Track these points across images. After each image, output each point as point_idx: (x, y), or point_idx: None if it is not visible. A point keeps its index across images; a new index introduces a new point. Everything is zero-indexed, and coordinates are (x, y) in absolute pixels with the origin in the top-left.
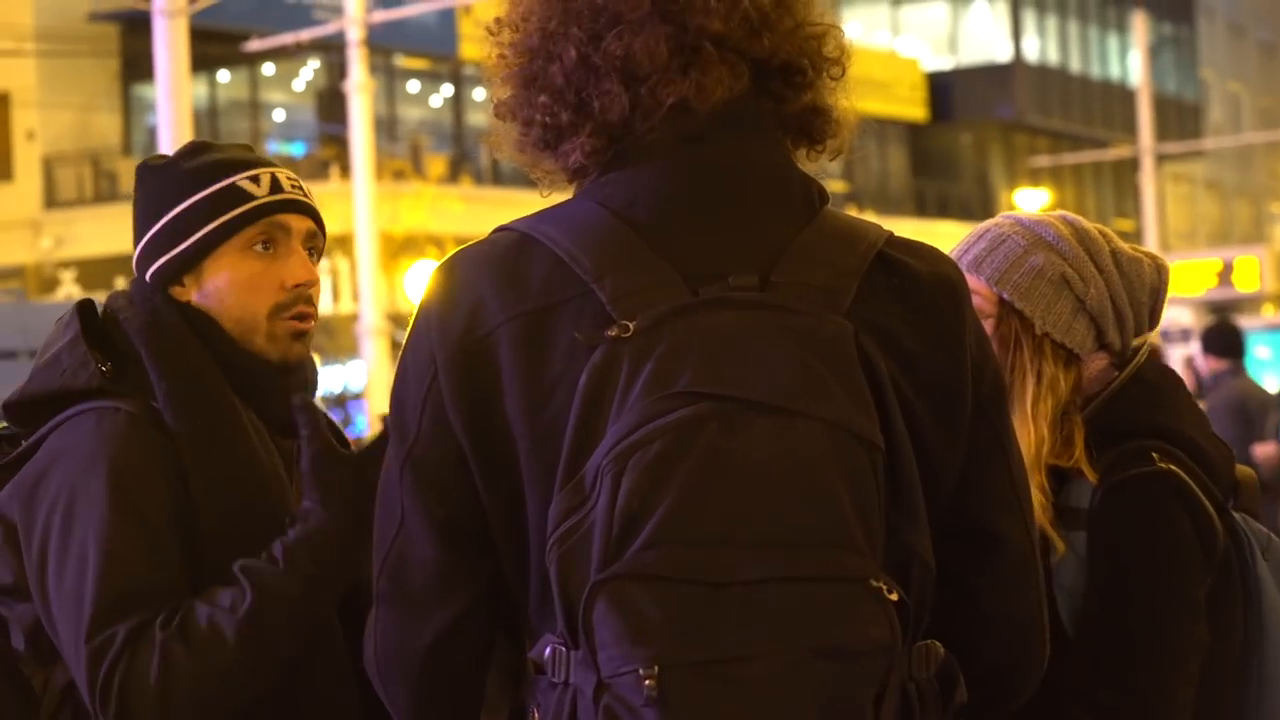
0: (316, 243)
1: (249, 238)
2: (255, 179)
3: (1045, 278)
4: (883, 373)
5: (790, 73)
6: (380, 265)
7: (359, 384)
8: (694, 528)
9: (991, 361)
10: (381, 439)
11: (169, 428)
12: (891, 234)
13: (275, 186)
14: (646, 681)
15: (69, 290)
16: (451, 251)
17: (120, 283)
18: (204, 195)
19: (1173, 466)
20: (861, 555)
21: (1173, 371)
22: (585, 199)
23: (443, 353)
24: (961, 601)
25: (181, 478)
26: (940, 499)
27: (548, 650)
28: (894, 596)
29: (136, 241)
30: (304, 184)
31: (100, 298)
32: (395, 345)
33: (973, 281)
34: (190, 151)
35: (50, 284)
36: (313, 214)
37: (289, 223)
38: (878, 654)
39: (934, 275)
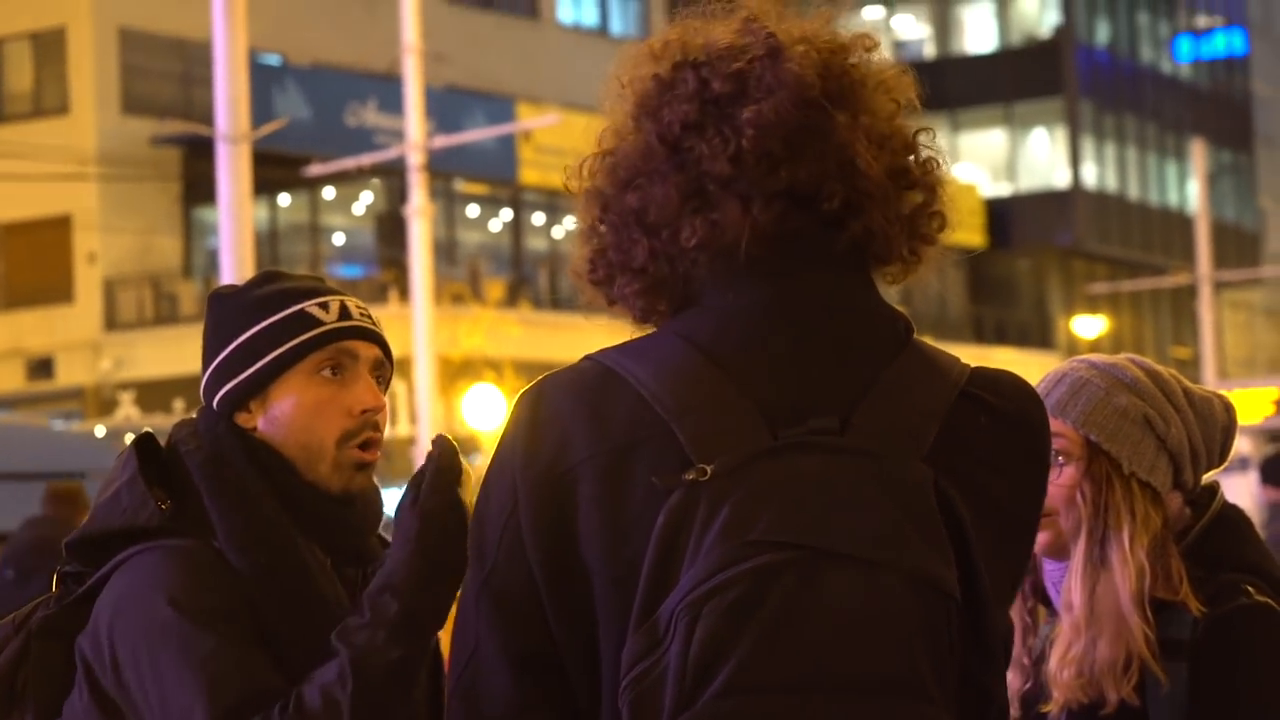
0: (384, 371)
1: (317, 362)
2: (325, 305)
3: (1130, 419)
4: (965, 519)
5: (817, 201)
6: (438, 389)
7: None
8: (768, 676)
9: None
10: (433, 475)
11: (232, 567)
12: (975, 369)
13: (344, 314)
14: None
15: (127, 412)
16: (509, 373)
17: (179, 405)
18: (274, 320)
19: (1269, 600)
20: (933, 704)
21: (1241, 509)
22: (669, 332)
23: (525, 484)
24: None
25: (252, 606)
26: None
27: None
28: None
29: (205, 368)
30: (372, 313)
31: (158, 420)
32: None
33: (1059, 425)
34: (261, 280)
35: (109, 405)
36: (381, 342)
37: (357, 349)
38: None
39: (1014, 414)
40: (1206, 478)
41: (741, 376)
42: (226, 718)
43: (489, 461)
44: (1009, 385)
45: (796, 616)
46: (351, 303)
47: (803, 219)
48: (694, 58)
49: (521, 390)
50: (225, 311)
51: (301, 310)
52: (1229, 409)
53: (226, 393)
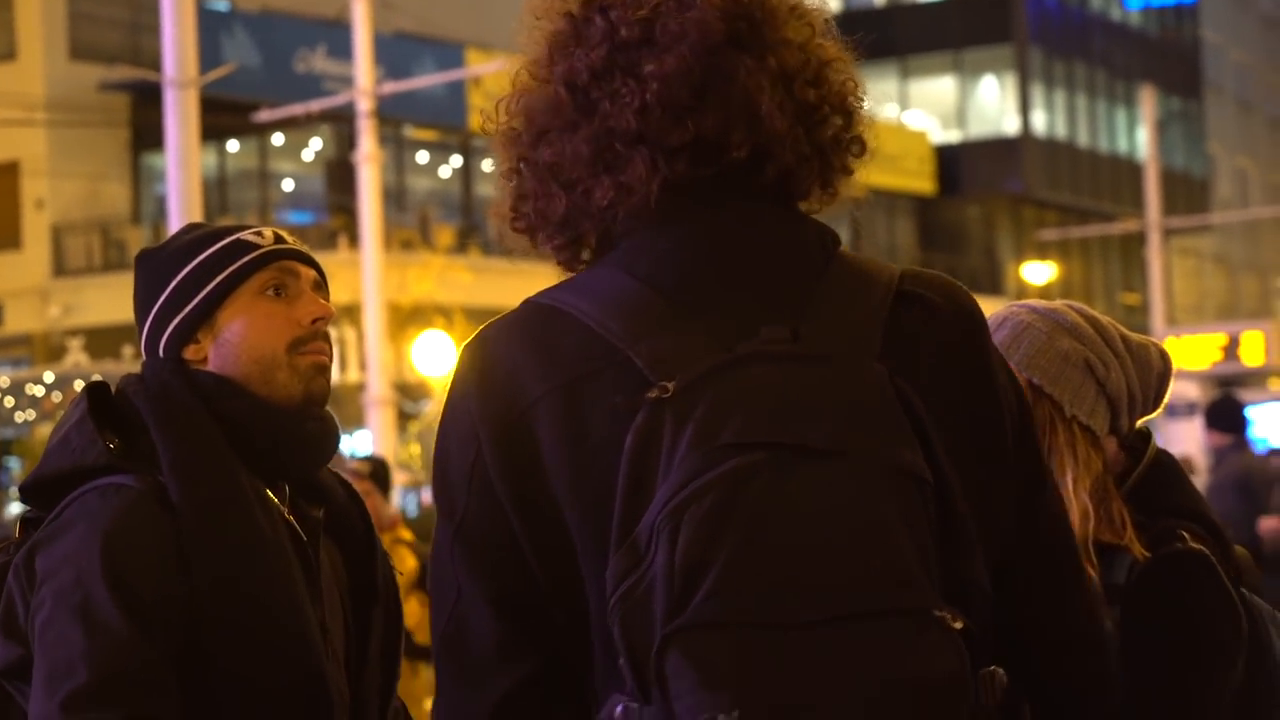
0: (323, 293)
1: (262, 282)
2: (259, 233)
3: (1071, 363)
4: (920, 409)
5: (725, 150)
6: (387, 335)
7: (363, 454)
8: (756, 574)
9: (1018, 388)
10: None
11: (172, 502)
12: (904, 270)
13: (278, 239)
14: None
15: (76, 358)
16: (459, 320)
17: (128, 351)
18: (212, 250)
19: (1201, 547)
20: (922, 588)
21: (1172, 455)
22: (607, 267)
23: (485, 428)
24: (1027, 628)
25: (179, 553)
26: (997, 530)
27: (618, 709)
28: (959, 625)
29: (144, 320)
30: (300, 243)
31: (108, 366)
32: (402, 415)
33: None
34: (185, 230)
35: (58, 352)
36: (316, 266)
37: (297, 268)
38: (950, 683)
39: (951, 307)
40: (1144, 425)
41: (686, 302)
42: (97, 688)
43: (442, 413)
44: (939, 281)
45: (776, 513)
46: (282, 231)
47: (711, 167)
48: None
49: (466, 340)
50: (155, 262)
51: (237, 238)
52: (1164, 356)
53: (174, 329)
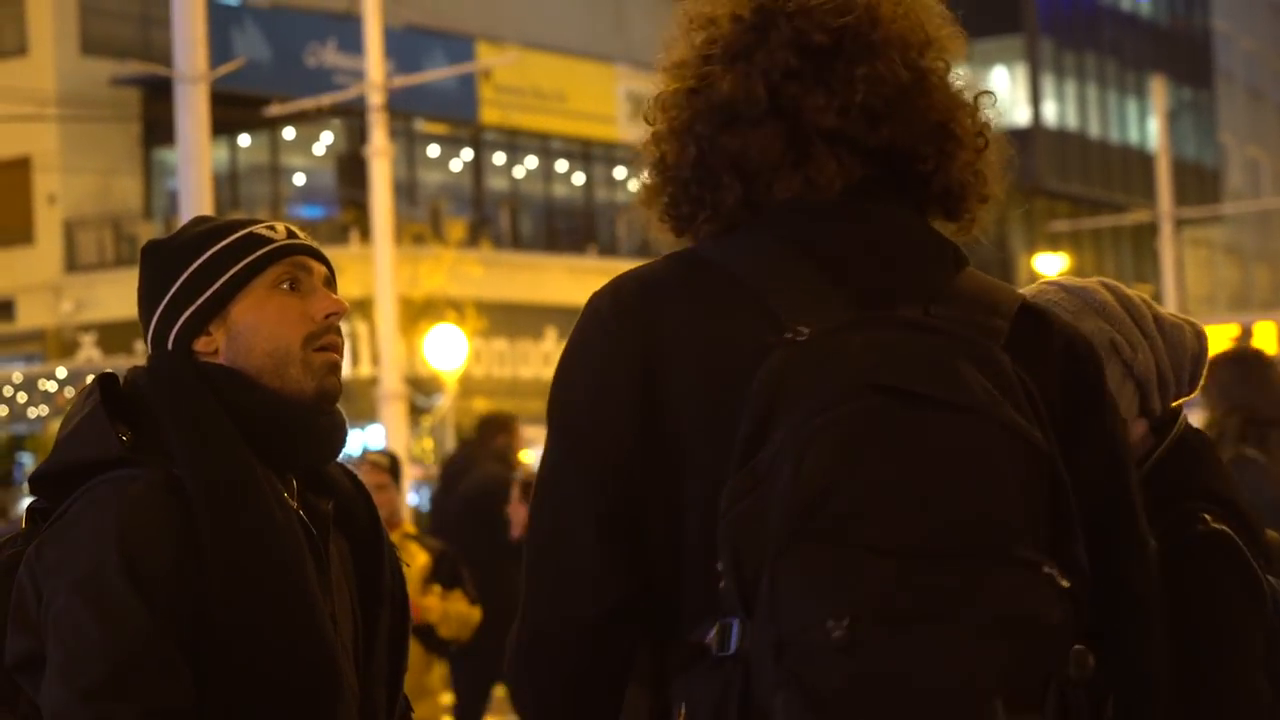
0: (333, 288)
1: (275, 276)
2: (271, 227)
3: (1095, 344)
4: (1039, 401)
5: (912, 160)
6: (399, 329)
7: (378, 447)
8: (880, 503)
9: (1123, 433)
10: None
11: (186, 493)
12: (1029, 297)
13: (291, 235)
14: (835, 633)
15: (89, 353)
16: (471, 314)
17: (140, 346)
18: (225, 244)
19: (1225, 528)
20: (1035, 545)
21: (1206, 436)
22: (753, 232)
23: (620, 352)
24: (1118, 615)
25: (193, 544)
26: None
27: (713, 630)
28: (1065, 584)
29: (151, 313)
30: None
31: (120, 361)
32: (414, 409)
33: None
34: (194, 223)
35: (70, 347)
36: (327, 262)
37: (309, 264)
38: (1054, 633)
39: (1071, 332)
40: (1178, 407)
41: (829, 266)
42: (107, 681)
43: (569, 340)
44: (1064, 316)
45: (904, 451)
46: (293, 226)
47: (894, 173)
48: (782, 6)
49: (594, 292)
50: (164, 254)
51: (250, 232)
52: (1200, 336)
53: (185, 321)
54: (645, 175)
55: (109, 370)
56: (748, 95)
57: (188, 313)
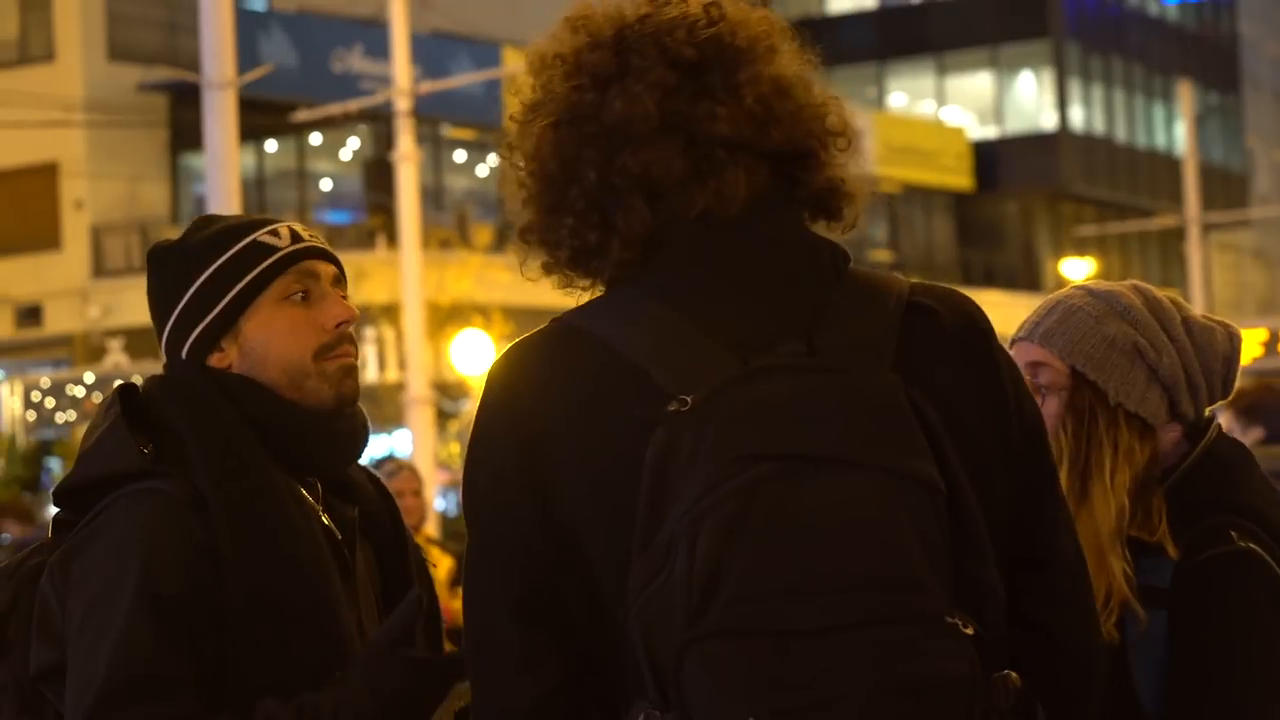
0: (342, 286)
1: (283, 288)
2: (275, 233)
3: (1118, 348)
4: (933, 418)
5: (803, 157)
6: (426, 334)
7: (405, 452)
8: (769, 582)
9: (1028, 395)
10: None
11: (207, 505)
12: (912, 282)
13: (295, 237)
14: None
15: (116, 359)
16: (498, 319)
17: None
18: (228, 256)
19: (1253, 545)
20: (933, 594)
21: (1243, 445)
22: (624, 290)
23: (508, 444)
24: (1030, 629)
25: (213, 558)
26: (1000, 532)
27: (641, 717)
28: (970, 630)
29: (163, 324)
30: (317, 234)
31: (148, 366)
32: (441, 414)
33: (1044, 354)
34: (198, 226)
35: (98, 353)
36: (335, 261)
37: (317, 269)
38: (959, 688)
39: (960, 318)
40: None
41: (702, 317)
42: (117, 691)
43: (471, 429)
44: (946, 293)
45: (791, 522)
46: (297, 226)
47: (785, 177)
48: (642, 28)
49: (495, 357)
50: (171, 263)
51: (254, 240)
52: (1232, 338)
53: (197, 337)
54: (522, 215)
55: (137, 376)
56: (641, 114)
57: (197, 330)
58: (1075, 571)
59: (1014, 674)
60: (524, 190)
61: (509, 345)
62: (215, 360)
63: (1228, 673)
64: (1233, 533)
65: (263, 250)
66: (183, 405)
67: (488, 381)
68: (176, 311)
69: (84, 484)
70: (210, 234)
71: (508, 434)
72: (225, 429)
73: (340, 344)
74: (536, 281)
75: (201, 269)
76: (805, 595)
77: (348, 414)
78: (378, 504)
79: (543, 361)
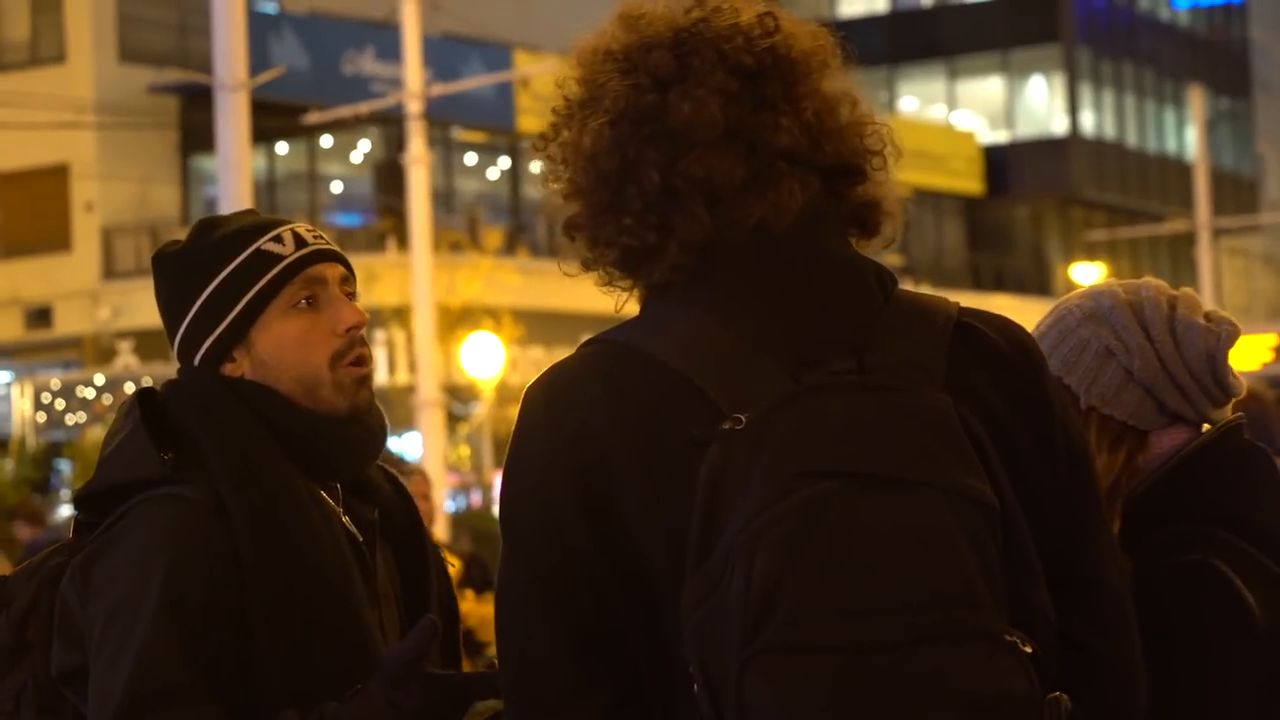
0: (350, 286)
1: (291, 296)
2: (278, 239)
3: (1090, 350)
4: (984, 439)
5: (849, 174)
6: (436, 337)
7: (414, 455)
8: (832, 598)
9: (1075, 420)
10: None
11: (227, 511)
12: (960, 305)
13: (299, 242)
14: None
15: (126, 361)
16: (508, 321)
17: None
18: (233, 267)
19: (1212, 559)
20: (992, 613)
21: (1258, 448)
22: (672, 304)
23: (558, 473)
24: (1076, 652)
25: (235, 565)
26: (1047, 553)
27: None
28: (1029, 649)
29: (174, 331)
30: (324, 234)
31: (158, 368)
32: (451, 417)
33: None
34: (203, 230)
35: (108, 354)
36: (341, 260)
37: (323, 273)
38: (1024, 706)
39: (1009, 342)
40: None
41: (753, 334)
42: (136, 703)
43: (508, 458)
44: (995, 317)
45: (849, 541)
46: (300, 228)
47: (837, 191)
48: (702, 31)
49: (530, 383)
50: (177, 270)
51: (258, 249)
52: (1212, 333)
53: (208, 349)
54: (569, 208)
55: (147, 378)
56: (709, 119)
57: (208, 341)
58: (1119, 595)
59: (1065, 697)
60: (570, 185)
61: (548, 368)
62: (229, 370)
63: (1185, 683)
64: (1189, 544)
65: (267, 260)
66: (200, 411)
67: (526, 408)
68: (186, 322)
69: (105, 489)
70: (213, 240)
71: (558, 459)
72: (244, 435)
73: (352, 349)
74: (575, 277)
75: (208, 280)
76: (870, 613)
77: (364, 419)
78: (396, 504)
79: (591, 382)
